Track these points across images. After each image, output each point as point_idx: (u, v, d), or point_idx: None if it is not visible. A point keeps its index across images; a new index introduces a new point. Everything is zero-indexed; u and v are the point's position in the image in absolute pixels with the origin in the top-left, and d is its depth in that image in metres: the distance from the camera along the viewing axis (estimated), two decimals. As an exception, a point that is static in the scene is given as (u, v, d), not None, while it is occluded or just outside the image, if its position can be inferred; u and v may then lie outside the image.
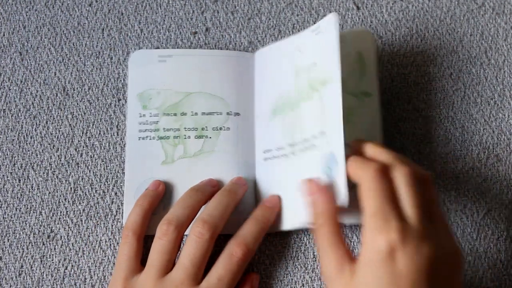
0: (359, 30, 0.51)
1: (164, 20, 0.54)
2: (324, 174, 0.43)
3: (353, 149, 0.44)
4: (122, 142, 0.50)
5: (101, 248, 0.47)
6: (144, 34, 0.53)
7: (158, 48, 0.53)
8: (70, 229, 0.48)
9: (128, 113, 0.49)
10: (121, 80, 0.52)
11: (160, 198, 0.47)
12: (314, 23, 0.54)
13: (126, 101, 0.51)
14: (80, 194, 0.49)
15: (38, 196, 0.48)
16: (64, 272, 0.47)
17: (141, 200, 0.46)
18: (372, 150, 0.42)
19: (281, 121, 0.48)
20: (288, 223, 0.47)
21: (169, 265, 0.43)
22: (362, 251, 0.38)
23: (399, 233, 0.36)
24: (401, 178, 0.39)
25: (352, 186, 0.41)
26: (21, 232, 0.48)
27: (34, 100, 0.51)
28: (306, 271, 0.47)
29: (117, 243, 0.47)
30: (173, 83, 0.50)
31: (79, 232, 0.48)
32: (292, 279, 0.47)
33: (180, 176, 0.48)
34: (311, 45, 0.47)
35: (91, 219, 0.48)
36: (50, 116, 0.51)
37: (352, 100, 0.48)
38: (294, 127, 0.47)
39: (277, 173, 0.48)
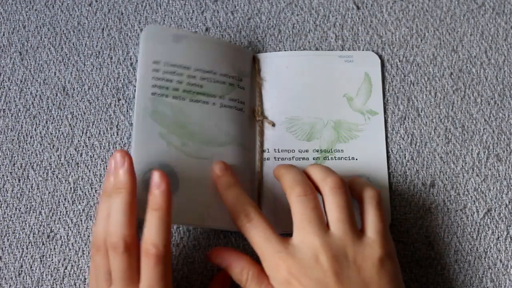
0: (366, 52, 0.53)
1: (164, 20, 0.54)
2: None
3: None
4: (122, 142, 0.50)
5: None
6: (144, 34, 0.53)
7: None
8: (70, 229, 0.48)
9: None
10: (121, 80, 0.52)
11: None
12: (314, 23, 0.54)
13: (126, 101, 0.51)
14: (80, 194, 0.49)
15: (38, 196, 0.48)
16: (64, 272, 0.47)
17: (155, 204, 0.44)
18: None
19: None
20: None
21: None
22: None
23: (285, 266, 0.41)
24: (291, 200, 0.43)
25: None
26: (21, 232, 0.48)
27: (34, 100, 0.51)
28: (306, 271, 0.47)
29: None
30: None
31: (79, 232, 0.48)
32: (292, 279, 0.47)
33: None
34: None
35: (91, 219, 0.48)
36: (50, 116, 0.51)
37: (359, 117, 0.51)
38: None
39: None
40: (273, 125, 0.50)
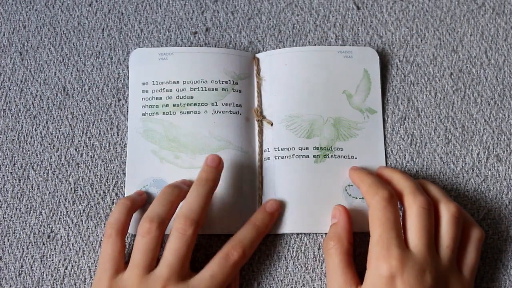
0: (365, 47, 0.52)
1: (164, 20, 0.54)
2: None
3: (376, 173, 0.48)
4: (122, 142, 0.50)
5: (101, 248, 0.47)
6: (144, 34, 0.53)
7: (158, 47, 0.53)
8: (70, 229, 0.48)
9: (129, 110, 0.50)
10: (121, 80, 0.52)
11: (143, 204, 0.47)
12: (314, 23, 0.54)
13: (126, 101, 0.51)
14: (80, 194, 0.49)
15: (38, 196, 0.48)
16: (64, 272, 0.47)
17: (124, 199, 0.46)
18: (392, 175, 0.46)
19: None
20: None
21: (153, 262, 0.43)
22: (366, 275, 0.42)
23: (399, 261, 0.40)
24: (411, 208, 0.43)
25: None
26: (21, 232, 0.48)
27: (34, 100, 0.51)
28: (306, 271, 0.47)
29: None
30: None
31: (79, 232, 0.48)
32: (292, 279, 0.47)
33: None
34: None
35: (91, 219, 0.48)
36: (50, 116, 0.51)
37: (358, 115, 0.50)
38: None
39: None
40: (271, 124, 0.50)
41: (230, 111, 0.50)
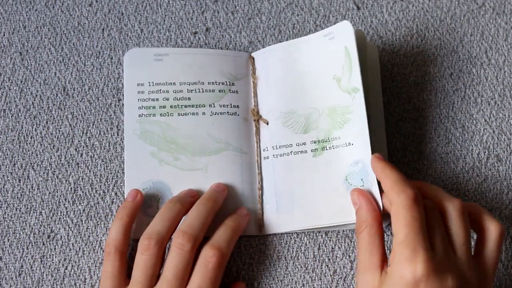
0: (341, 23, 0.48)
1: (164, 20, 0.54)
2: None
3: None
4: (122, 142, 0.50)
5: (101, 248, 0.47)
6: (144, 34, 0.53)
7: (158, 48, 0.53)
8: (70, 229, 0.48)
9: (125, 112, 0.49)
10: (121, 80, 0.52)
11: (139, 207, 0.46)
12: (314, 23, 0.54)
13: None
14: (80, 194, 0.49)
15: (38, 196, 0.48)
16: (64, 272, 0.47)
17: (120, 213, 0.45)
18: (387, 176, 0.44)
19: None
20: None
21: (153, 279, 0.43)
22: (388, 274, 0.40)
23: (425, 265, 0.38)
24: (433, 210, 0.41)
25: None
26: (21, 232, 0.48)
27: (34, 100, 0.51)
28: (306, 271, 0.47)
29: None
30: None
31: (79, 232, 0.48)
32: (292, 279, 0.47)
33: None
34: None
35: (91, 219, 0.48)
36: (50, 116, 0.51)
37: (347, 98, 0.47)
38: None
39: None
40: (267, 123, 0.50)
41: (228, 112, 0.50)
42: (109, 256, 0.44)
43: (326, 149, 0.48)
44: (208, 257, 0.43)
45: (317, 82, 0.49)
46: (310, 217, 0.47)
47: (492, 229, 0.42)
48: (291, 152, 0.49)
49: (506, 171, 0.50)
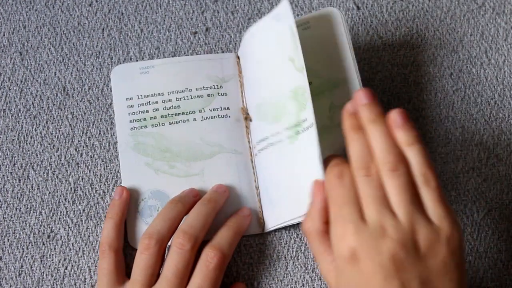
0: (282, 2, 0.46)
1: (164, 20, 0.54)
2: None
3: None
4: (122, 142, 0.50)
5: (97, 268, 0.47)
6: (144, 34, 0.53)
7: (158, 48, 0.53)
8: (70, 229, 0.48)
9: (117, 126, 0.50)
10: (121, 80, 0.52)
11: (127, 204, 0.47)
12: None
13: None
14: (80, 194, 0.49)
15: (38, 196, 0.48)
16: (64, 272, 0.47)
17: (110, 212, 0.46)
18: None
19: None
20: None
21: (153, 278, 0.43)
22: (333, 253, 0.38)
23: (355, 236, 0.36)
24: (356, 178, 0.38)
25: None
26: (21, 232, 0.48)
27: (34, 100, 0.51)
28: (306, 271, 0.47)
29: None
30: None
31: (79, 232, 0.48)
32: (292, 279, 0.47)
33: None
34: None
35: (91, 219, 0.48)
36: (50, 116, 0.51)
37: (301, 77, 0.44)
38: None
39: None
40: (251, 120, 0.50)
41: (218, 115, 0.50)
42: (103, 254, 0.44)
43: (300, 133, 0.45)
44: (209, 257, 0.43)
45: (275, 66, 0.47)
46: (297, 206, 0.44)
47: (416, 173, 0.38)
48: (269, 144, 0.47)
49: (506, 171, 0.50)
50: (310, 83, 0.44)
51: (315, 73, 0.48)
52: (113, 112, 0.51)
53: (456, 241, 0.37)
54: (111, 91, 0.51)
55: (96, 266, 0.47)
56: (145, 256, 0.43)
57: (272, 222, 0.47)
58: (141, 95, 0.50)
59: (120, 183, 0.49)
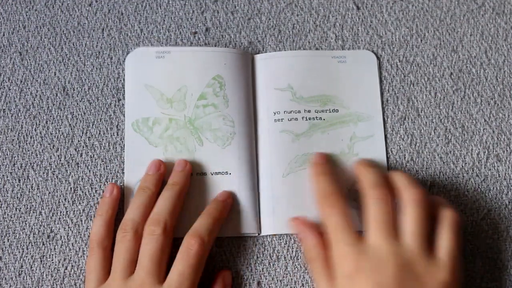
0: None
1: (164, 20, 0.54)
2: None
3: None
4: (122, 142, 0.50)
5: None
6: (144, 34, 0.53)
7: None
8: (70, 229, 0.48)
9: (126, 111, 0.50)
10: (121, 80, 0.52)
11: (118, 201, 0.47)
12: (314, 23, 0.54)
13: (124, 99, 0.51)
14: (80, 194, 0.49)
15: (38, 196, 0.48)
16: (64, 272, 0.47)
17: (100, 209, 0.46)
18: (359, 170, 0.47)
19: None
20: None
21: (132, 265, 0.43)
22: (336, 272, 0.42)
23: (351, 258, 0.41)
24: (367, 202, 0.43)
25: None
26: (21, 232, 0.48)
27: (34, 100, 0.51)
28: (306, 271, 0.47)
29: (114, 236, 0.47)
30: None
31: (79, 232, 0.48)
32: (292, 279, 0.47)
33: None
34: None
35: (91, 219, 0.48)
36: (50, 116, 0.51)
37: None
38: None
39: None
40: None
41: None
42: (92, 251, 0.45)
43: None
44: (190, 244, 0.43)
45: None
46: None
47: (446, 215, 0.43)
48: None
49: (506, 171, 0.50)
50: (336, 111, 0.51)
51: (342, 103, 0.51)
52: (113, 112, 0.51)
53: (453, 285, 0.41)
54: (111, 91, 0.51)
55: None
56: (122, 245, 0.43)
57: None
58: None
59: (120, 183, 0.49)
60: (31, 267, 0.47)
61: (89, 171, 0.49)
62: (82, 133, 0.50)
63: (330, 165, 0.48)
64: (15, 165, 0.49)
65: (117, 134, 0.50)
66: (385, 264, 0.40)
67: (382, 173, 0.45)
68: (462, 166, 0.50)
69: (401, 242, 0.41)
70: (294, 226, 0.46)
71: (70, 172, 0.49)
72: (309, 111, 0.50)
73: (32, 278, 0.47)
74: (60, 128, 0.50)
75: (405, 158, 0.50)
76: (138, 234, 0.44)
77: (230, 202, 0.47)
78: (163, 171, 0.47)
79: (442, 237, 0.42)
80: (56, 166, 0.49)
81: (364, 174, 0.45)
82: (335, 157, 0.49)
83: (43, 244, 0.47)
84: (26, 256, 0.47)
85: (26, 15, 0.54)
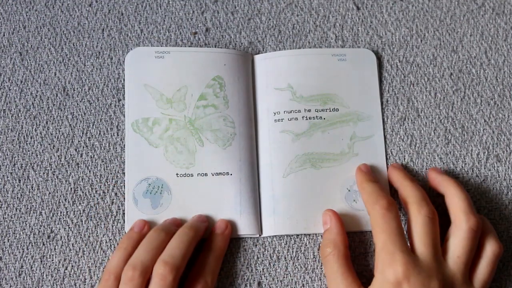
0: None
1: (164, 20, 0.54)
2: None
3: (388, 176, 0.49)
4: (122, 142, 0.50)
5: (101, 249, 0.47)
6: (144, 34, 0.53)
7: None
8: (70, 230, 0.48)
9: (126, 111, 0.50)
10: (121, 81, 0.52)
11: (144, 238, 0.46)
12: (314, 23, 0.54)
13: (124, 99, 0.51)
14: (80, 195, 0.49)
15: (38, 196, 0.49)
16: (64, 272, 0.47)
17: (125, 243, 0.45)
18: (401, 183, 0.47)
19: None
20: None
21: None
22: (373, 282, 0.42)
23: (404, 265, 0.40)
24: (415, 217, 0.43)
25: None
26: (21, 232, 0.48)
27: (34, 100, 0.51)
28: (306, 271, 0.47)
29: (117, 244, 0.47)
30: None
31: (79, 232, 0.48)
32: (292, 279, 0.47)
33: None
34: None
35: (91, 220, 0.48)
36: (50, 116, 0.51)
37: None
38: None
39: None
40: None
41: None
42: (106, 282, 0.43)
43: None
44: (161, 275, 0.42)
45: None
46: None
47: (491, 248, 0.44)
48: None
49: (506, 171, 0.50)
50: (336, 110, 0.51)
51: (342, 101, 0.51)
52: (113, 113, 0.51)
53: None
54: (111, 91, 0.51)
55: (96, 266, 0.47)
56: (130, 287, 0.42)
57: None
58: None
59: (120, 183, 0.49)
60: (31, 267, 0.47)
61: (89, 171, 0.49)
62: (82, 133, 0.50)
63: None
64: (16, 165, 0.49)
65: (117, 135, 0.50)
66: (433, 280, 0.41)
67: (420, 185, 0.46)
68: (462, 166, 0.50)
69: (445, 264, 0.42)
70: (326, 215, 0.47)
71: (70, 173, 0.49)
72: (309, 111, 0.50)
73: (32, 278, 0.47)
74: (60, 128, 0.50)
75: (404, 158, 0.50)
76: (146, 278, 0.43)
77: (206, 225, 0.47)
78: (146, 232, 0.46)
79: (482, 268, 0.43)
80: (56, 166, 0.49)
81: (410, 189, 0.45)
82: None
83: (43, 244, 0.47)
84: (26, 256, 0.47)
85: (26, 15, 0.54)
